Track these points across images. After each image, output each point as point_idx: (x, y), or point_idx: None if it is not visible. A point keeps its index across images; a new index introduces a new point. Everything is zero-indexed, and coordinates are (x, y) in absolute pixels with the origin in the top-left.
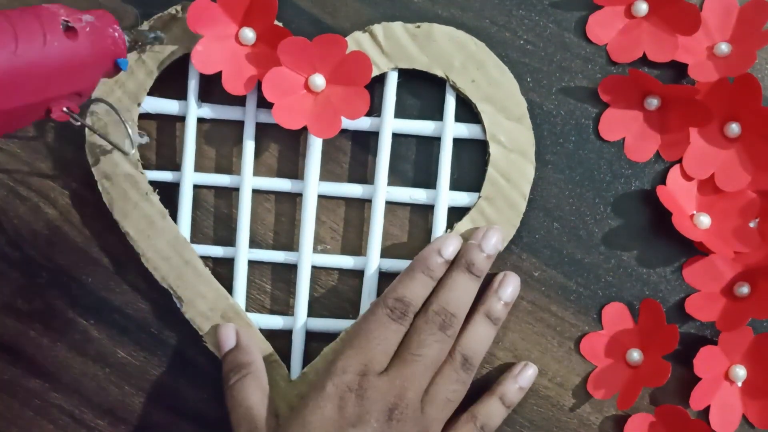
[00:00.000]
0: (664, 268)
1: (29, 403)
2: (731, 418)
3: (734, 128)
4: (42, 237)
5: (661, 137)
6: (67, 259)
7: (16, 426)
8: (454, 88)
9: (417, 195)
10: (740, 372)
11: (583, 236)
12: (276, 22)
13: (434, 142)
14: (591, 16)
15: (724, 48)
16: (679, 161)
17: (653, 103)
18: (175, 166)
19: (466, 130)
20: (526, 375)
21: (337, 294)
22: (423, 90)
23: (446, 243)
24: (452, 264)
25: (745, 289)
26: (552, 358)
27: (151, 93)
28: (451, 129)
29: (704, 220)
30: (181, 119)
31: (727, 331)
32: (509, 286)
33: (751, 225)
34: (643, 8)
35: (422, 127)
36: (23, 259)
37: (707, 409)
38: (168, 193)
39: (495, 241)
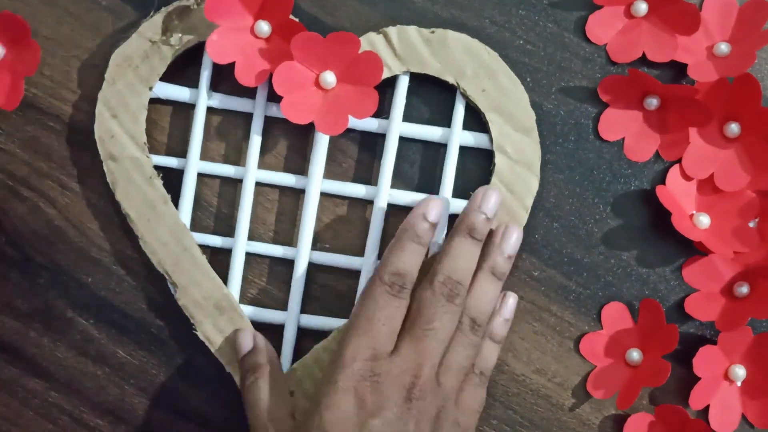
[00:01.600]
0: (664, 268)
1: (29, 403)
2: (731, 418)
3: (734, 128)
4: (42, 237)
5: (661, 137)
6: (67, 259)
7: (16, 426)
8: (465, 95)
9: (419, 200)
10: (740, 372)
11: (583, 236)
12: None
13: (440, 148)
14: (591, 16)
15: (723, 48)
16: (679, 161)
17: (653, 103)
18: (182, 152)
19: (472, 139)
20: (508, 305)
21: (333, 292)
22: (433, 96)
23: (430, 206)
24: (452, 229)
25: (744, 289)
26: (552, 358)
27: (163, 79)
28: (458, 136)
29: (704, 220)
30: (192, 107)
31: (726, 330)
32: (511, 238)
33: (751, 225)
34: (642, 8)
35: (430, 132)
36: (23, 259)
37: (707, 409)
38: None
39: (494, 202)
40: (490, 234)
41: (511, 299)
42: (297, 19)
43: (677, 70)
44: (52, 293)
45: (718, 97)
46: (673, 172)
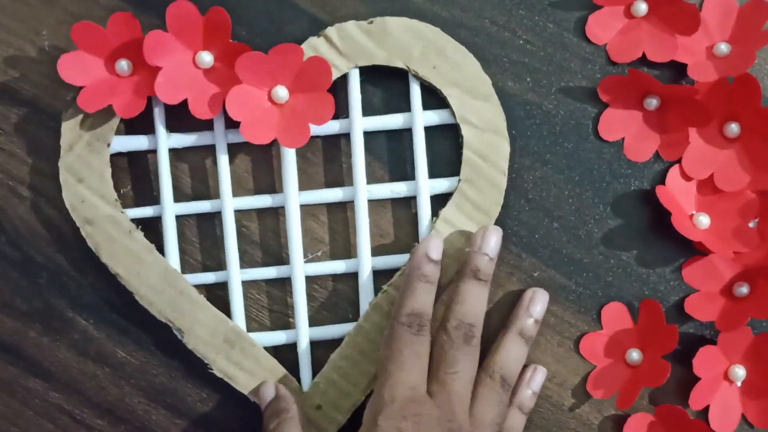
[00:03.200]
0: (664, 268)
1: (29, 403)
2: (730, 418)
3: (733, 128)
4: (42, 237)
5: (661, 137)
6: (67, 259)
7: (16, 426)
8: (417, 77)
9: (398, 189)
10: (739, 372)
11: (583, 236)
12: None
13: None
14: (590, 16)
15: (723, 48)
16: (679, 161)
17: (653, 103)
18: (154, 199)
19: (436, 117)
20: (536, 380)
21: (336, 296)
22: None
23: (431, 245)
24: (458, 274)
25: (744, 289)
26: (552, 358)
27: (118, 132)
28: (421, 118)
29: (703, 220)
30: (153, 152)
31: (726, 331)
32: (539, 304)
33: (751, 225)
34: (642, 8)
35: (392, 121)
36: (23, 259)
37: (706, 409)
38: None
39: (495, 242)
40: (521, 294)
41: (540, 374)
42: (296, 21)
43: (677, 70)
44: (52, 293)
45: (718, 97)
46: (673, 172)
